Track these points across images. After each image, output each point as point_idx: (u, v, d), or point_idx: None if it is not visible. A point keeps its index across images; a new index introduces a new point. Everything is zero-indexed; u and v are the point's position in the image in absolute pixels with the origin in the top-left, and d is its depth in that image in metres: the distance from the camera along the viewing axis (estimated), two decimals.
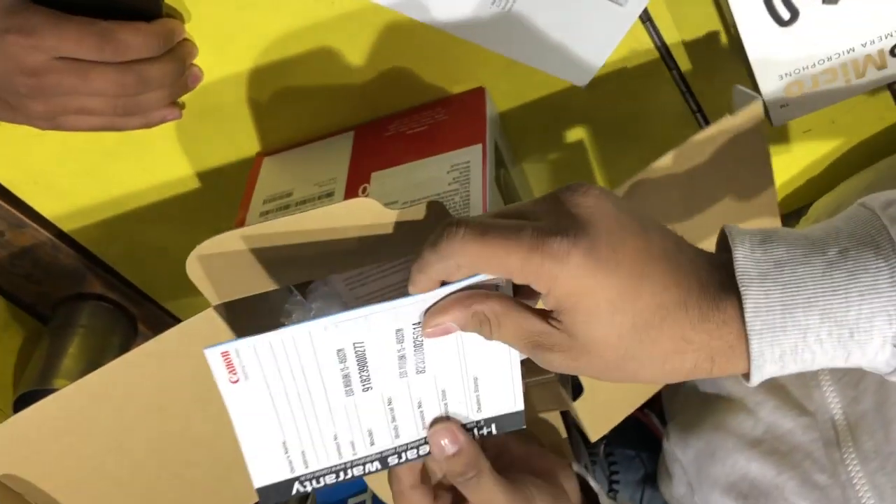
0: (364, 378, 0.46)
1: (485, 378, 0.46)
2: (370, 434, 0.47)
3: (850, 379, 0.51)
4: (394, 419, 0.47)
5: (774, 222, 0.60)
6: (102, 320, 0.78)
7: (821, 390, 0.53)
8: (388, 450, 0.48)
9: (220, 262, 0.49)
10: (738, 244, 0.37)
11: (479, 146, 0.56)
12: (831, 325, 0.35)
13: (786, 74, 0.58)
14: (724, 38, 0.59)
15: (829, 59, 0.58)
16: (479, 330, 0.41)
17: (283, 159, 0.63)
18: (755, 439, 0.53)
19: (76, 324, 0.77)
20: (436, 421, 0.47)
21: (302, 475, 0.47)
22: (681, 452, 0.60)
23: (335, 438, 0.47)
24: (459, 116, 0.59)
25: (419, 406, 0.47)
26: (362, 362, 0.45)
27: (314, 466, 0.47)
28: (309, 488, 0.47)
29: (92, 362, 0.75)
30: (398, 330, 0.44)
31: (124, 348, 0.79)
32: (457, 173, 0.55)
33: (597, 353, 0.38)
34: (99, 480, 0.59)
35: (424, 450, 0.48)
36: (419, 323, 0.44)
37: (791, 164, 0.67)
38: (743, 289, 0.36)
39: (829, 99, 0.59)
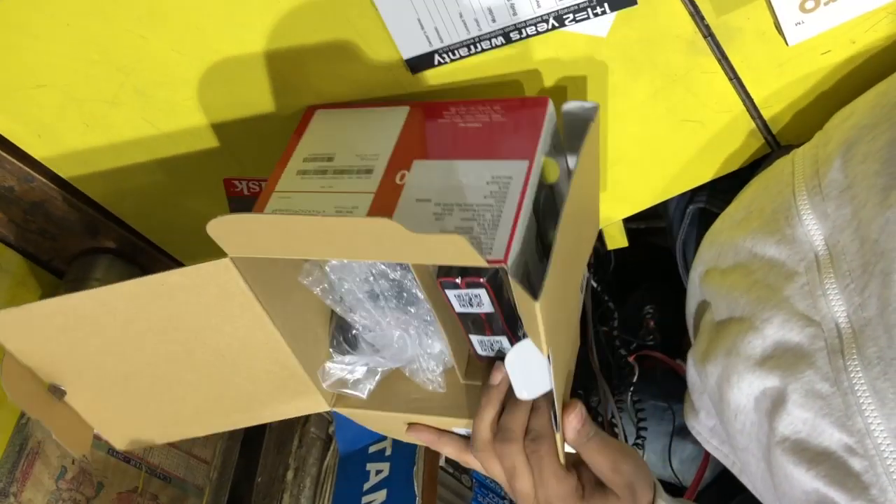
0: None
1: None
2: (490, 12, 0.56)
3: (856, 286, 0.50)
4: None
5: None
6: (117, 274, 0.78)
7: (827, 299, 0.52)
8: (508, 26, 0.56)
9: (238, 229, 0.49)
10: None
11: (526, 164, 0.53)
12: None
13: None
14: None
15: None
16: None
17: (332, 117, 0.61)
18: (763, 357, 0.53)
19: (91, 277, 0.77)
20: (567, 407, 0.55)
21: (439, 48, 0.57)
22: (703, 384, 0.60)
23: (460, 16, 0.55)
24: (515, 122, 0.56)
25: None
26: None
27: (448, 41, 0.57)
28: (447, 60, 0.58)
29: None
30: None
31: None
32: (495, 187, 0.52)
33: None
34: (98, 374, 0.60)
35: (542, 27, 0.56)
36: None
37: (810, 86, 0.63)
38: None
39: (845, 13, 0.56)
